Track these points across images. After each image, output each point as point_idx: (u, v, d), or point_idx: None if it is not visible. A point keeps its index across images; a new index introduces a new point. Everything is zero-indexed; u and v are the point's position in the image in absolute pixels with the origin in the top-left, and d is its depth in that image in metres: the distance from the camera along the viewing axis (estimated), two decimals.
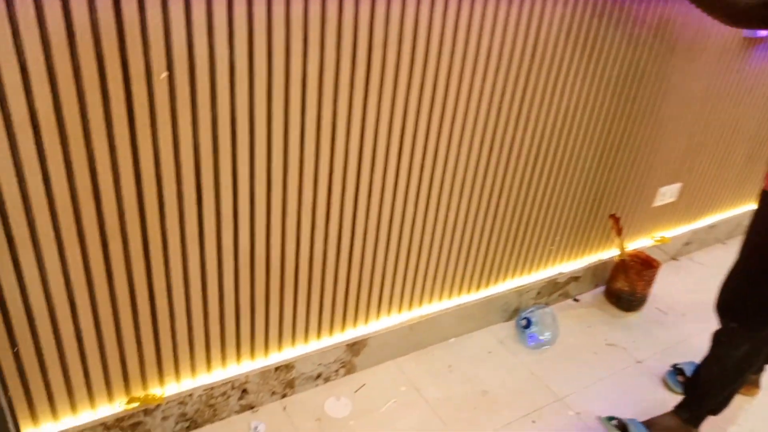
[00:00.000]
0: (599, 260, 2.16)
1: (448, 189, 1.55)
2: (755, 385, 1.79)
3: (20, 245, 1.01)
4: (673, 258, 2.47)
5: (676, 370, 1.80)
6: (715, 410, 1.55)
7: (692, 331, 2.05)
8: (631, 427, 1.57)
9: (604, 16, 1.55)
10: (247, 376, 1.45)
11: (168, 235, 1.16)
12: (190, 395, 1.38)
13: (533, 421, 1.60)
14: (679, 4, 1.69)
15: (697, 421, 1.56)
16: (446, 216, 1.59)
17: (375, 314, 1.64)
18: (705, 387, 1.53)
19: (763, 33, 1.93)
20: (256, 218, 1.26)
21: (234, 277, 1.30)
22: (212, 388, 1.40)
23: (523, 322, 1.92)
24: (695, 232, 2.47)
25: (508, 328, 1.94)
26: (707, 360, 1.51)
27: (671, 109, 1.92)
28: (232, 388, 1.44)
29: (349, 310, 1.57)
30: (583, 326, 2.01)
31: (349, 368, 1.65)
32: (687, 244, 2.49)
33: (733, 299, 1.44)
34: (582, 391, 1.73)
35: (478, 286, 1.85)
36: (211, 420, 1.45)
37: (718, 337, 1.49)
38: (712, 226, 2.55)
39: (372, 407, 1.57)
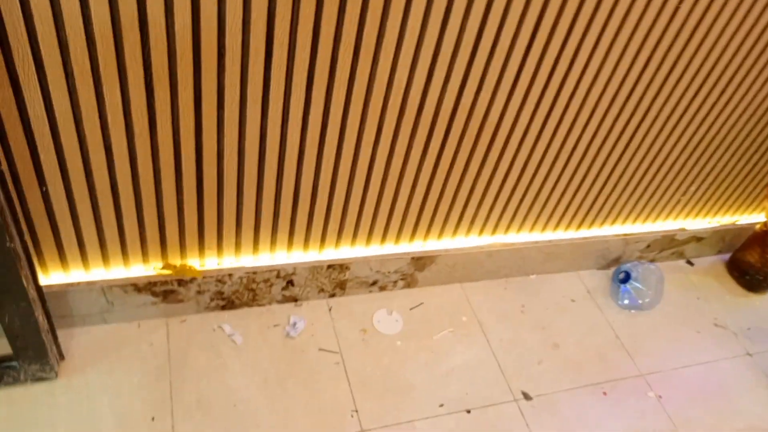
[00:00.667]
0: (733, 224, 1.78)
1: (575, 111, 1.22)
2: None
3: (51, 72, 0.83)
4: None
5: None
6: None
7: None
8: None
9: None
10: (295, 267, 1.29)
11: (226, 90, 0.94)
12: (230, 275, 1.24)
13: (604, 393, 1.37)
14: None
15: None
16: (565, 139, 1.28)
17: (451, 231, 1.41)
18: None
19: None
20: (335, 89, 1.02)
21: (298, 155, 1.09)
22: (255, 273, 1.26)
23: (621, 276, 1.63)
24: None
25: (601, 278, 1.67)
26: None
27: None
28: (277, 276, 1.29)
29: (423, 220, 1.35)
30: (692, 297, 1.70)
31: (409, 281, 1.46)
32: None
33: None
34: (670, 373, 1.46)
35: (580, 225, 1.56)
36: (249, 304, 1.33)
37: None
38: None
39: (425, 331, 1.39)
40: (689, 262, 1.81)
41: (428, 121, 1.14)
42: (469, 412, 1.26)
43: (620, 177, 1.44)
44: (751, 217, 1.81)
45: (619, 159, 1.39)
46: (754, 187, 1.68)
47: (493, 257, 1.50)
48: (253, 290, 1.30)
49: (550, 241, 1.54)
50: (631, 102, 1.25)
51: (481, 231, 1.45)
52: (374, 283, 1.42)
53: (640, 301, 1.59)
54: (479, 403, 1.28)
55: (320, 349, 1.30)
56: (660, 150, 1.41)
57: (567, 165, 1.36)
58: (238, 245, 1.22)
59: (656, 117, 1.32)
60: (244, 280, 1.26)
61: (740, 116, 1.41)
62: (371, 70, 1.01)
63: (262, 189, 1.12)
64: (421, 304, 1.45)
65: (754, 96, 1.37)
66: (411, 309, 1.43)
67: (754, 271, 1.74)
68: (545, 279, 1.61)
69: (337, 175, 1.16)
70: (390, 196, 1.25)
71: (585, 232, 1.59)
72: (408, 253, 1.39)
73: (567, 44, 1.09)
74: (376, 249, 1.37)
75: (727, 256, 1.85)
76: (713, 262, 1.83)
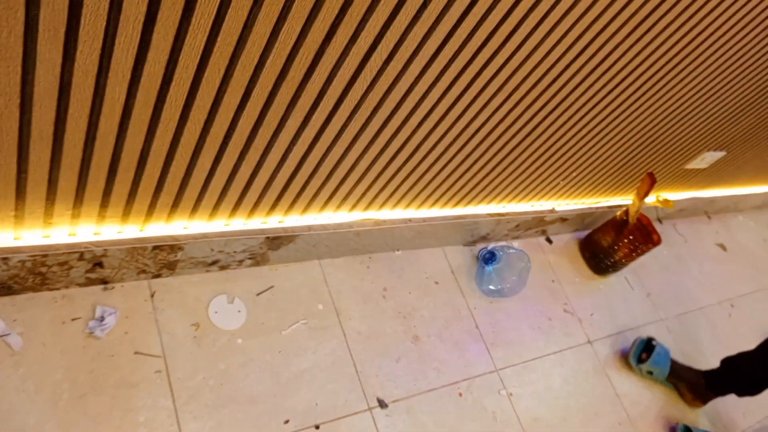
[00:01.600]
0: (596, 205, 1.76)
1: (457, 92, 1.00)
2: None
3: None
4: (658, 219, 2.14)
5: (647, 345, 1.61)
6: (743, 392, 1.53)
7: (650, 317, 1.79)
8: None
9: None
10: (105, 249, 0.95)
11: None
12: (5, 260, 0.87)
13: (460, 394, 1.29)
14: None
15: (720, 392, 1.58)
16: (442, 117, 1.06)
17: (318, 207, 1.16)
18: (744, 370, 1.51)
19: None
20: (188, 35, 0.67)
21: (124, 105, 0.74)
22: (45, 255, 0.90)
23: (487, 256, 1.53)
24: (693, 200, 2.13)
25: (466, 255, 1.55)
26: (756, 354, 1.49)
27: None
28: (80, 259, 0.95)
29: (288, 194, 1.07)
30: (548, 279, 1.67)
31: (258, 260, 1.20)
32: (680, 210, 2.15)
33: None
34: (521, 367, 1.43)
35: (456, 203, 1.40)
36: (35, 288, 0.97)
37: None
38: (711, 200, 2.22)
39: (273, 324, 1.16)
40: (549, 240, 1.77)
41: (315, 91, 0.84)
42: (318, 428, 1.09)
43: (501, 158, 1.28)
44: (613, 201, 1.80)
45: (498, 140, 1.21)
46: (626, 175, 1.65)
47: (361, 236, 1.28)
48: (42, 274, 0.94)
49: (423, 219, 1.36)
50: (510, 85, 1.06)
51: (353, 207, 1.22)
52: (214, 262, 1.13)
53: (501, 287, 1.51)
54: (330, 415, 1.11)
55: (136, 353, 1.01)
56: (541, 135, 1.26)
57: (445, 143, 1.15)
58: (19, 218, 0.85)
59: (537, 103, 1.16)
60: (28, 264, 0.90)
61: (619, 108, 1.30)
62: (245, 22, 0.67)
63: (61, 143, 0.75)
64: (271, 287, 1.21)
65: (633, 92, 1.27)
66: (258, 294, 1.18)
67: (604, 255, 1.75)
68: (410, 255, 1.45)
69: (183, 131, 0.82)
70: (252, 164, 0.95)
71: (459, 210, 1.44)
72: (262, 231, 1.12)
73: (444, 26, 0.85)
74: (219, 225, 1.07)
75: (583, 233, 1.85)
76: (569, 241, 1.82)
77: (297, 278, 1.25)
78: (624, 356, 1.62)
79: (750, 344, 1.54)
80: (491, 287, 1.50)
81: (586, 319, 1.65)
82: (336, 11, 0.72)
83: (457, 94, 0.99)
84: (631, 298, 1.81)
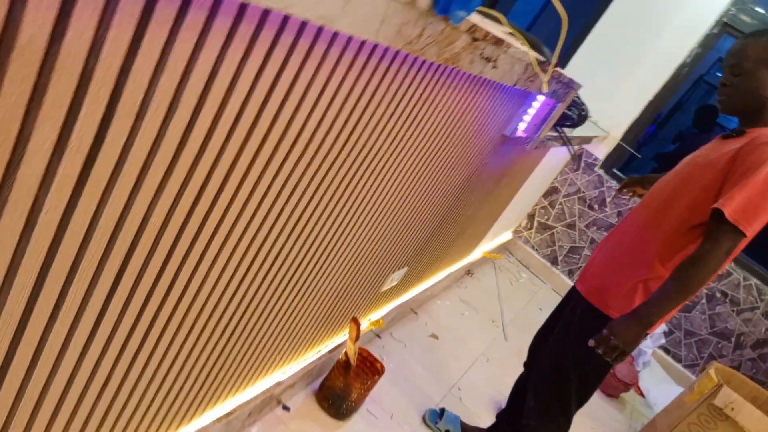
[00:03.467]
0: (319, 355, 1.78)
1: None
2: None
3: None
4: (377, 336, 2.28)
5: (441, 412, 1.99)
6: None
7: None
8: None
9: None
10: None
11: None
12: None
13: None
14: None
15: None
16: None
17: None
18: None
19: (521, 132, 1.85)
20: None
21: None
22: None
23: None
24: (398, 307, 2.34)
25: None
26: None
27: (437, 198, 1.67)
28: None
29: None
30: None
31: None
32: (391, 320, 2.33)
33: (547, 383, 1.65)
34: None
35: (179, 424, 1.24)
36: None
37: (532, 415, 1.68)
38: (412, 299, 2.46)
39: None
40: (285, 407, 1.71)
41: None
42: None
43: (202, 364, 1.20)
44: (333, 342, 1.84)
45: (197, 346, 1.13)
46: (335, 318, 1.70)
47: None
48: None
49: None
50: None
51: None
52: None
53: None
54: None
55: None
56: (227, 328, 1.23)
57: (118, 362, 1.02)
58: None
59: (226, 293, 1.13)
60: None
61: (308, 269, 1.37)
62: None
63: None
64: None
65: (315, 251, 1.35)
66: None
67: (340, 399, 1.77)
68: None
69: None
70: None
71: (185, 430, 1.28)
72: None
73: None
74: None
75: (317, 383, 1.83)
76: (306, 398, 1.79)
77: None
78: None
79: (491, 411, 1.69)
80: None
81: None
82: None
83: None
84: (379, 427, 1.85)
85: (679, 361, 3.58)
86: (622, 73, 3.45)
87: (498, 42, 0.95)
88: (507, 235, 3.77)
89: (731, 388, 2.46)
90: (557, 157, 3.31)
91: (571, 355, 1.58)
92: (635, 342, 1.36)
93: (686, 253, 1.38)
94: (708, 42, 3.30)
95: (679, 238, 1.42)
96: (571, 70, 3.54)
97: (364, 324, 2.03)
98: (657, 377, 3.36)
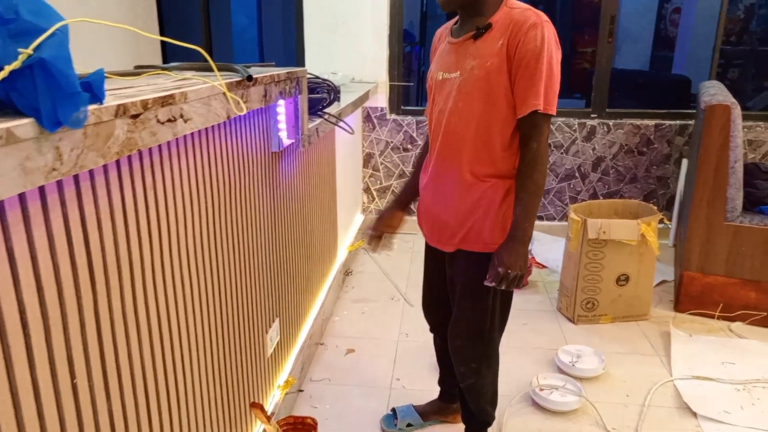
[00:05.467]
0: None
1: None
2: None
3: None
4: (300, 390, 2.20)
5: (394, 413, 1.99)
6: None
7: None
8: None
9: None
10: None
11: None
12: None
13: None
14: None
15: (452, 400, 1.98)
16: None
17: None
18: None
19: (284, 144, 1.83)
20: None
21: None
22: None
23: None
24: (302, 351, 2.27)
25: None
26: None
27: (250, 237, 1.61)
28: None
29: None
30: None
31: None
32: (302, 369, 2.26)
33: (468, 345, 1.64)
34: None
35: None
36: None
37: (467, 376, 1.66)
38: (310, 336, 2.40)
39: None
40: None
41: None
42: None
43: None
44: None
45: None
46: (233, 414, 1.60)
47: None
48: None
49: None
50: None
51: None
52: None
53: None
54: None
55: None
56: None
57: None
58: None
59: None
60: None
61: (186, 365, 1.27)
62: None
63: None
64: None
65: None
66: None
67: None
68: None
69: None
70: None
71: None
72: None
73: None
74: None
75: None
76: None
77: None
78: None
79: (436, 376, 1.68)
80: None
81: None
82: None
83: None
84: None
85: (552, 219, 3.86)
86: (349, 25, 3.57)
87: (166, 99, 0.90)
88: (360, 218, 3.80)
89: (595, 217, 2.69)
90: (346, 134, 3.37)
91: (482, 312, 1.57)
92: (526, 261, 1.45)
93: (504, 156, 1.45)
94: None
95: (488, 148, 1.46)
96: (310, 53, 3.60)
97: (277, 393, 1.94)
98: (546, 244, 3.61)
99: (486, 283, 1.46)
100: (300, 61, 3.62)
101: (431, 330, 1.89)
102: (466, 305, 1.59)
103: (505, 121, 1.42)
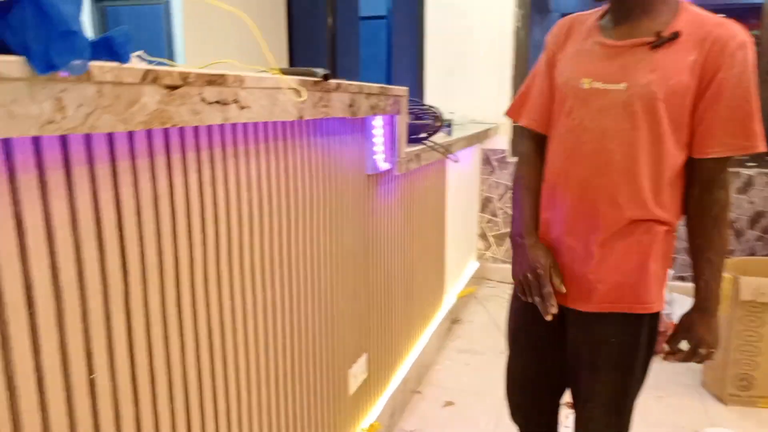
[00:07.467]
0: None
1: None
2: None
3: None
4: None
5: None
6: None
7: None
8: None
9: None
10: None
11: None
12: None
13: None
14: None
15: None
16: None
17: None
18: None
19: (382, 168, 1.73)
20: None
21: None
22: None
23: None
24: (394, 396, 2.08)
25: None
26: None
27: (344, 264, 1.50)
28: None
29: None
30: None
31: None
32: (392, 415, 2.07)
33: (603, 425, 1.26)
34: None
35: None
36: None
37: None
38: (404, 381, 2.21)
39: None
40: None
41: None
42: None
43: None
44: None
45: None
46: None
47: None
48: None
49: None
50: None
51: None
52: None
53: None
54: None
55: None
56: None
57: None
58: None
59: None
60: None
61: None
62: None
63: None
64: None
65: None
66: None
67: None
68: None
69: None
70: None
71: None
72: None
73: None
74: None
75: None
76: None
77: None
78: None
79: None
80: None
81: None
82: None
83: None
84: None
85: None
86: (470, 66, 3.48)
87: (214, 78, 0.83)
88: (474, 265, 3.59)
89: (751, 275, 2.25)
90: (462, 172, 3.23)
91: (627, 385, 1.25)
92: (718, 335, 1.21)
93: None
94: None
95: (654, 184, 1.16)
96: (430, 88, 3.56)
97: None
98: (687, 306, 3.12)
99: (670, 360, 1.23)
100: (420, 98, 3.59)
101: (513, 417, 1.45)
102: (606, 378, 1.24)
103: (678, 154, 1.14)
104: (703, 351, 1.19)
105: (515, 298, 1.37)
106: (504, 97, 3.46)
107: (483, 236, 3.67)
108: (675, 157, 1.14)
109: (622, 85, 1.13)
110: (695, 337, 1.19)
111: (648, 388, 1.31)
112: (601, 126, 1.15)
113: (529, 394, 1.41)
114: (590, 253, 1.20)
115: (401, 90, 1.64)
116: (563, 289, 1.22)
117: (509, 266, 3.61)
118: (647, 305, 1.20)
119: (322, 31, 3.85)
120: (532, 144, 1.33)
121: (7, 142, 0.65)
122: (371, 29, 5.58)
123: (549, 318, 1.20)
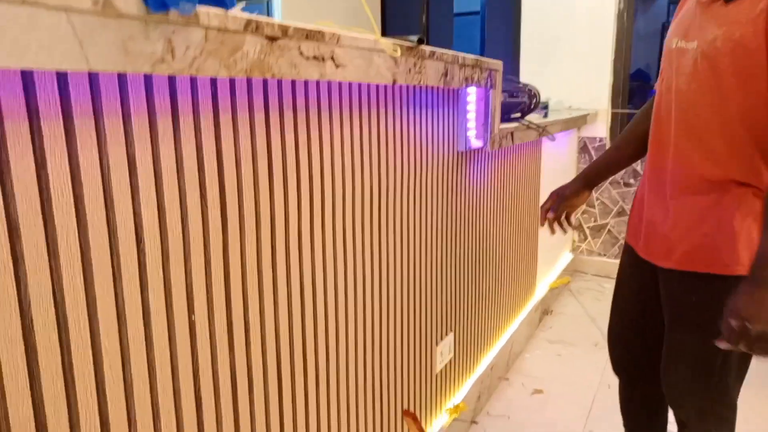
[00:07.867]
0: None
1: None
2: None
3: None
4: (473, 421, 1.98)
5: None
6: None
7: None
8: None
9: None
10: None
11: None
12: None
13: None
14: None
15: None
16: None
17: None
18: None
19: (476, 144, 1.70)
20: None
21: None
22: None
23: None
24: (481, 380, 2.05)
25: None
26: None
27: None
28: None
29: None
30: None
31: None
32: (478, 398, 2.04)
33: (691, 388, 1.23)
34: None
35: None
36: None
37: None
38: (492, 367, 2.17)
39: None
40: None
41: None
42: None
43: None
44: None
45: None
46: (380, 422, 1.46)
47: None
48: None
49: None
50: None
51: None
52: None
53: None
54: None
55: None
56: None
57: None
58: None
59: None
60: None
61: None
62: None
63: None
64: None
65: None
66: None
67: None
68: None
69: None
70: None
71: None
72: None
73: None
74: None
75: None
76: None
77: None
78: None
79: None
80: None
81: None
82: None
83: None
84: None
85: None
86: (568, 52, 3.34)
87: (312, 33, 0.85)
88: (568, 256, 3.45)
89: None
90: (558, 157, 3.11)
91: (709, 347, 1.12)
92: None
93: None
94: None
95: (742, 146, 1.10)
96: (524, 74, 3.46)
97: (444, 417, 1.75)
98: None
99: (720, 345, 1.04)
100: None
101: (614, 369, 1.49)
102: (687, 337, 1.21)
103: (755, 111, 1.06)
104: (748, 327, 0.97)
105: (623, 253, 1.42)
106: (602, 84, 3.29)
107: (579, 227, 3.52)
108: (756, 115, 1.06)
109: (693, 43, 1.13)
110: (738, 311, 0.99)
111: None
112: (676, 86, 1.17)
113: (624, 348, 1.44)
114: (667, 211, 1.21)
115: (496, 63, 1.60)
116: (565, 230, 1.58)
117: (605, 260, 3.43)
118: (729, 267, 1.11)
119: (415, 30, 3.86)
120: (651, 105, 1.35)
121: (122, 86, 0.69)
122: (464, 25, 5.53)
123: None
